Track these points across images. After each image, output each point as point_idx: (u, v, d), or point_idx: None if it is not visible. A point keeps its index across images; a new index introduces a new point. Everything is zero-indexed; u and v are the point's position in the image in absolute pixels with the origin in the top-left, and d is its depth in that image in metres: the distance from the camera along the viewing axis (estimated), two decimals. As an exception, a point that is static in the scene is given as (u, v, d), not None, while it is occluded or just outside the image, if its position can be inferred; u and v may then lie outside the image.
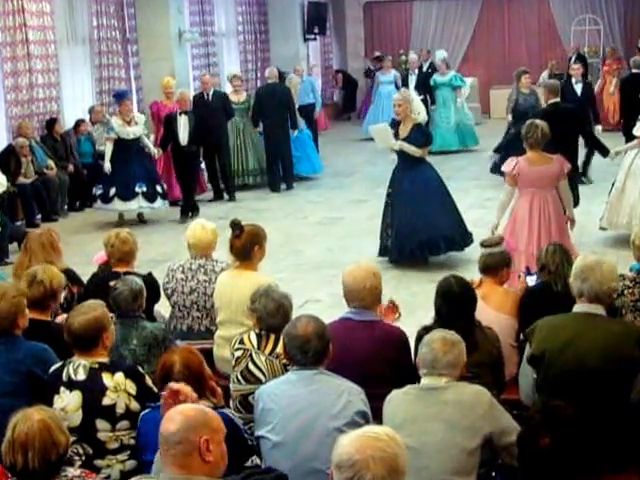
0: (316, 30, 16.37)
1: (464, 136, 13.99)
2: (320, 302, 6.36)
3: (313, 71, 15.89)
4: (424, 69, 16.37)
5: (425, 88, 13.57)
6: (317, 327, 3.28)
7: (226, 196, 10.98)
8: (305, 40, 16.33)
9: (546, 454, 2.41)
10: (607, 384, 3.34)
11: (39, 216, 9.96)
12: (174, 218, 9.84)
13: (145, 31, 11.96)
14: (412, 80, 13.74)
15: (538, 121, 6.09)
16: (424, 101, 12.33)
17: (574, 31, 17.34)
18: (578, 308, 3.52)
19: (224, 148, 10.95)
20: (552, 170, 5.99)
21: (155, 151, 9.77)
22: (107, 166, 9.48)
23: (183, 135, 9.68)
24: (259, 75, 15.45)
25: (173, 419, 2.47)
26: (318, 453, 3.07)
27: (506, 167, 6.05)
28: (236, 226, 4.60)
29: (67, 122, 11.17)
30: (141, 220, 9.82)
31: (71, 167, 10.57)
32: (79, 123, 10.95)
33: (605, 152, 7.80)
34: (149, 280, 4.74)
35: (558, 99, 7.74)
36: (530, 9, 18.36)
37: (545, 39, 18.15)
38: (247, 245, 4.55)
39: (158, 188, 9.73)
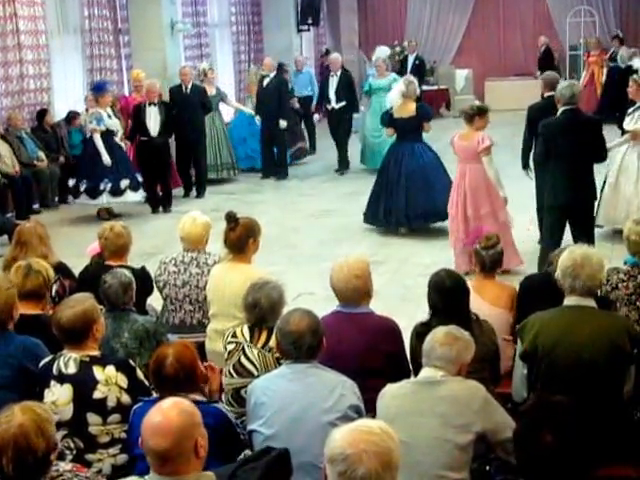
0: (310, 21, 16.27)
1: None
2: (313, 295, 6.33)
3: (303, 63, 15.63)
4: (409, 62, 16.28)
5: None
6: (310, 322, 3.27)
7: (194, 192, 10.73)
8: (299, 31, 16.24)
9: (549, 452, 2.37)
10: (600, 377, 3.33)
11: (36, 206, 9.93)
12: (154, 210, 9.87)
13: (137, 21, 11.85)
14: (333, 83, 11.72)
15: (475, 102, 6.96)
16: (347, 106, 11.50)
17: (569, 23, 17.28)
18: (569, 301, 3.51)
19: (200, 143, 10.82)
20: (471, 145, 6.64)
21: (122, 143, 9.73)
22: (107, 159, 9.28)
23: (154, 127, 9.63)
24: (252, 66, 15.36)
25: (161, 432, 2.39)
26: (310, 447, 3.06)
27: (450, 140, 6.89)
28: (231, 218, 4.57)
29: (58, 113, 11.09)
30: (111, 215, 9.53)
31: (62, 159, 10.51)
32: (72, 116, 10.85)
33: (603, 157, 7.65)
34: (142, 274, 4.73)
35: (553, 92, 7.64)
36: (525, 0, 18.29)
37: (540, 31, 18.04)
38: (242, 238, 4.53)
39: (138, 177, 9.65)
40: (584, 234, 5.82)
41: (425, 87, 16.27)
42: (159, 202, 10.00)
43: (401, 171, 8.22)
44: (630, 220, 4.40)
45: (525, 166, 7.50)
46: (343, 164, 11.89)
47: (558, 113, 6.28)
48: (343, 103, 11.54)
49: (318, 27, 17.56)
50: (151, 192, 9.87)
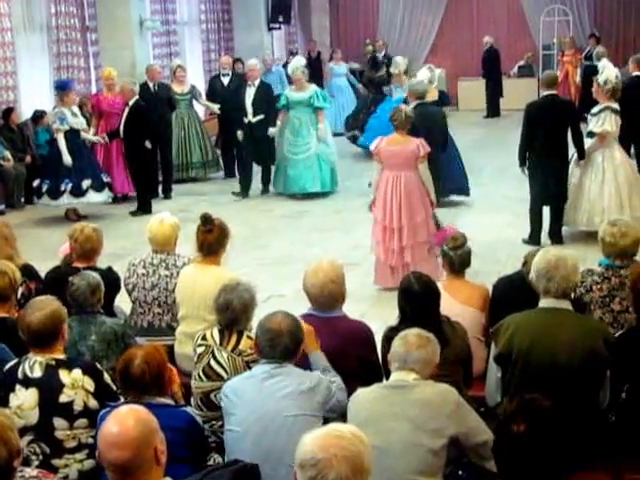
0: (280, 19, 16.22)
1: (324, 175, 10.30)
2: (284, 297, 6.29)
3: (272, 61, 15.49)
4: (379, 60, 16.23)
5: (374, 88, 12.55)
6: (291, 324, 3.31)
7: (161, 194, 10.53)
8: (269, 29, 16.18)
9: (521, 441, 2.38)
10: (576, 380, 3.32)
11: (1, 206, 9.82)
12: (122, 211, 9.76)
13: (105, 19, 11.73)
14: (250, 93, 10.30)
15: (402, 105, 6.81)
16: (265, 120, 10.24)
17: (543, 22, 17.35)
18: (544, 304, 3.49)
19: (167, 142, 10.69)
20: (407, 150, 6.37)
21: (97, 139, 9.68)
22: (67, 159, 9.13)
23: (122, 126, 9.56)
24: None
25: (119, 444, 2.33)
26: (279, 445, 3.09)
27: (372, 146, 6.58)
28: (207, 220, 4.51)
29: (24, 112, 10.93)
30: (78, 216, 9.36)
31: (28, 158, 10.36)
32: (39, 115, 10.69)
33: (582, 155, 7.60)
34: (108, 274, 4.68)
35: (554, 91, 7.65)
36: (499, -1, 18.36)
37: (514, 30, 18.11)
38: (220, 239, 4.50)
39: (104, 178, 9.55)
40: None
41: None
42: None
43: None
44: (605, 222, 4.41)
45: (522, 164, 7.57)
46: (267, 186, 10.64)
47: (411, 106, 7.36)
48: (261, 117, 10.29)
49: (289, 25, 17.51)
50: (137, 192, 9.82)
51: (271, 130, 10.37)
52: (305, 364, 3.44)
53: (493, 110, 16.39)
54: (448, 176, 9.03)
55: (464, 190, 9.47)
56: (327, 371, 3.48)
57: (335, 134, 13.93)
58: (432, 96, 9.25)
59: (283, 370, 3.25)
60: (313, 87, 10.40)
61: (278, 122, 10.41)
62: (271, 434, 3.13)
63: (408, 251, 6.51)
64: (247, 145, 10.44)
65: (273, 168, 10.61)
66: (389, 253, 6.57)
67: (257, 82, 10.35)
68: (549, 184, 7.45)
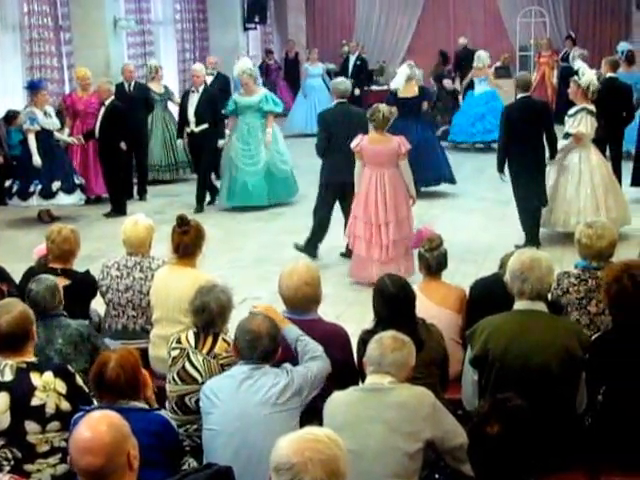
0: (256, 19, 16.19)
1: (276, 186, 9.83)
2: (259, 299, 6.25)
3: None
4: (350, 63, 16.22)
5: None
6: (271, 327, 3.35)
7: (136, 195, 10.45)
8: (245, 29, 16.14)
9: (495, 442, 2.38)
10: (552, 381, 3.32)
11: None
12: (96, 213, 9.67)
13: (79, 18, 11.62)
14: (193, 101, 9.63)
15: (381, 105, 6.80)
16: (210, 130, 9.59)
17: (520, 23, 17.42)
18: (519, 306, 3.48)
19: (142, 143, 10.62)
20: (388, 149, 6.56)
21: (72, 140, 9.62)
22: (37, 160, 9.02)
23: (98, 127, 9.47)
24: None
25: (92, 450, 2.30)
26: (258, 441, 3.11)
27: (352, 144, 6.67)
28: (183, 222, 4.48)
29: (-4, 112, 10.78)
30: (52, 217, 9.27)
31: (0, 159, 10.21)
32: (12, 115, 10.54)
33: (554, 155, 7.59)
34: (86, 278, 4.67)
35: (529, 93, 7.70)
36: (476, 0, 18.42)
37: (491, 31, 18.16)
38: (196, 241, 4.48)
39: (76, 180, 9.45)
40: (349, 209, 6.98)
41: (375, 87, 16.31)
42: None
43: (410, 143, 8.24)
44: (581, 223, 4.42)
45: (501, 169, 7.58)
46: (206, 200, 9.94)
47: (332, 105, 7.60)
48: (205, 126, 9.58)
49: (265, 25, 17.47)
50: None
51: (220, 142, 9.82)
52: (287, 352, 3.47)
53: None
54: (432, 165, 9.68)
55: (449, 179, 9.91)
56: (299, 340, 3.51)
57: (307, 135, 14.02)
58: (412, 92, 9.63)
59: (260, 371, 3.27)
60: (263, 91, 9.89)
61: (227, 132, 9.96)
62: (250, 433, 3.15)
63: (392, 246, 6.59)
64: (192, 156, 10.23)
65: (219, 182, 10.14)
66: (375, 249, 6.62)
67: (201, 88, 9.74)
68: (529, 185, 7.45)
